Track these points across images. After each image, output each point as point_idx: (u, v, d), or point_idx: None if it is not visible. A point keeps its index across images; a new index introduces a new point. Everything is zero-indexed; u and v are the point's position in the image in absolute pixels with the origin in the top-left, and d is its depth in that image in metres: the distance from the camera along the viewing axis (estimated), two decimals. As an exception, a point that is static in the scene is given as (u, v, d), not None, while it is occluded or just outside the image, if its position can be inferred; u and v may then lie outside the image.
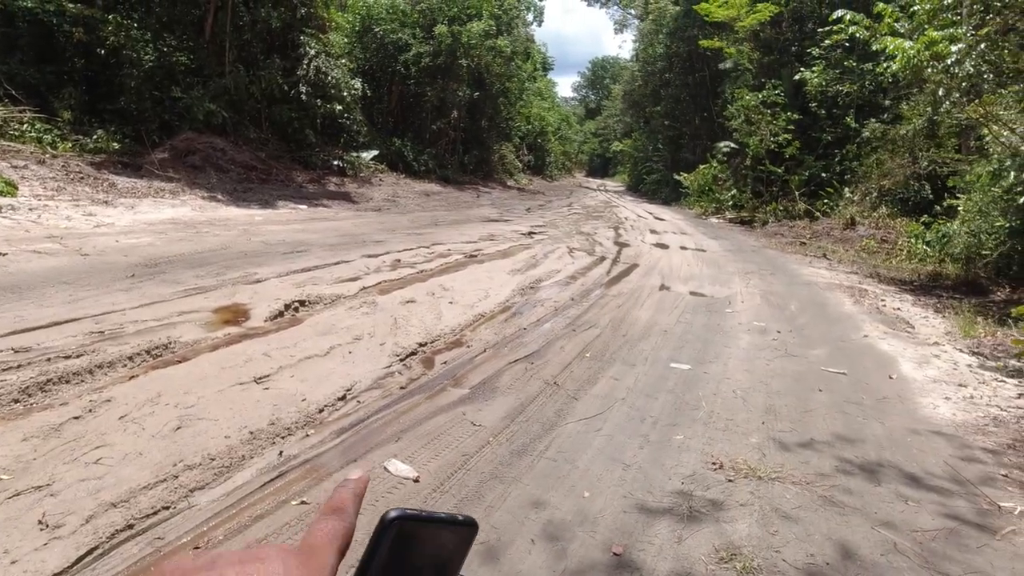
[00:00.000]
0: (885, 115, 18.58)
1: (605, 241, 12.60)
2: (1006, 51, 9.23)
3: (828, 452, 3.36)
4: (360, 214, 12.20)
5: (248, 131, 14.18)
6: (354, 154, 18.89)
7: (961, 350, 6.00)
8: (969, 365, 5.49)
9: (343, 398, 3.76)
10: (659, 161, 34.36)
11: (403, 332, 5.12)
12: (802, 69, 20.08)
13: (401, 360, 4.54)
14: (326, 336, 4.83)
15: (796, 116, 20.07)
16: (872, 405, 4.24)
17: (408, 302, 6.12)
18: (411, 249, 9.06)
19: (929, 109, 16.00)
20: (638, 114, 39.95)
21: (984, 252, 10.26)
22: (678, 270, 9.67)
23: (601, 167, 70.17)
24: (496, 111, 27.50)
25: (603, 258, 10.35)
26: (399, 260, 8.20)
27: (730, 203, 22.34)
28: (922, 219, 13.42)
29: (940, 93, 10.03)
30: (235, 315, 5.17)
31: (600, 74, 74.40)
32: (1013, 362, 5.57)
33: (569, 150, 52.45)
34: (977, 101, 11.94)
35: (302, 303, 5.66)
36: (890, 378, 4.88)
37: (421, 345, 4.89)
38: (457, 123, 24.24)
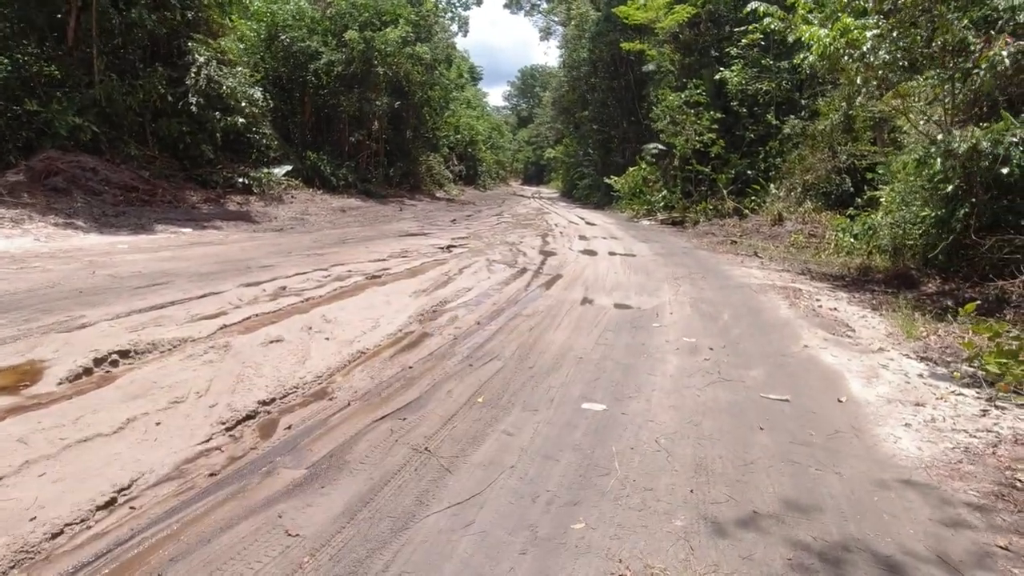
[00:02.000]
0: (803, 112, 18.61)
1: (530, 251, 11.71)
2: (918, 37, 8.86)
3: (777, 533, 2.47)
4: (255, 236, 10.86)
5: (128, 148, 12.57)
6: (264, 170, 17.37)
7: (908, 355, 5.34)
8: (920, 375, 4.79)
9: (110, 504, 2.61)
10: (590, 166, 34.09)
11: (247, 386, 3.98)
12: (722, 69, 19.94)
13: (229, 429, 3.41)
14: (135, 401, 3.64)
15: (719, 115, 19.88)
16: (824, 444, 3.41)
17: (272, 342, 4.97)
18: (304, 273, 7.87)
19: (844, 104, 16.02)
20: (568, 120, 39.71)
21: (909, 242, 9.93)
22: (604, 279, 8.84)
23: (536, 175, 70.04)
24: (421, 121, 26.40)
25: (524, 270, 9.43)
26: (284, 288, 7.01)
27: (661, 204, 22.00)
28: (848, 212, 13.17)
29: (858, 81, 9.63)
30: (19, 378, 3.91)
31: (530, 82, 74.38)
32: (964, 367, 4.92)
33: (502, 159, 51.85)
34: (891, 92, 11.72)
35: (125, 354, 4.43)
36: (839, 401, 4.09)
37: (265, 403, 3.77)
38: (379, 134, 23.02)
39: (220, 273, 7.45)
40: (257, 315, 5.81)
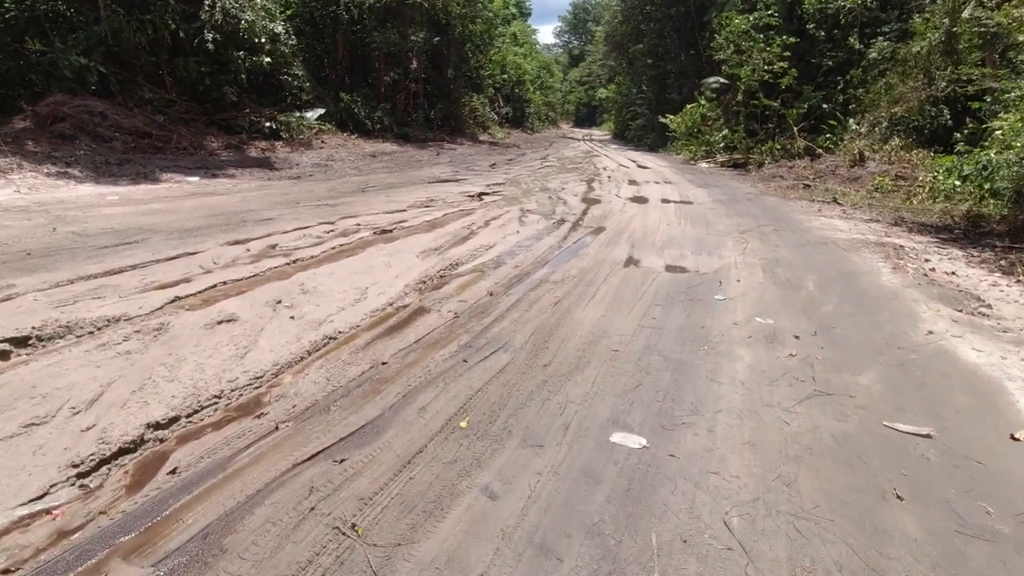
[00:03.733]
0: (892, 33, 15.91)
1: (571, 199, 10.22)
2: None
3: None
4: (267, 184, 9.79)
5: (142, 91, 11.60)
6: (296, 115, 16.27)
7: (1082, 347, 3.74)
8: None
9: None
10: (643, 104, 31.45)
11: (148, 396, 2.87)
12: (797, -16, 17.21)
13: (84, 475, 2.30)
14: (-19, 422, 2.58)
15: (792, 40, 17.26)
16: (1019, 537, 2.01)
17: (223, 322, 3.85)
18: (305, 228, 6.74)
19: (946, 20, 13.42)
20: (621, 56, 36.68)
21: (1039, 185, 7.93)
22: (654, 232, 7.33)
23: (587, 117, 66.69)
24: (462, 59, 24.54)
25: (561, 221, 8.01)
26: (274, 246, 5.90)
27: (721, 145, 19.73)
28: (955, 148, 10.93)
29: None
30: None
31: (582, 16, 69.75)
32: None
33: (552, 100, 49.11)
34: (1009, 3, 9.37)
35: (23, 341, 3.39)
36: (1014, 439, 2.64)
37: (160, 426, 2.65)
38: (417, 74, 21.42)
39: (207, 228, 6.40)
40: (225, 283, 4.71)
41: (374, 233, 6.74)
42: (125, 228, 6.07)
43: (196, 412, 2.79)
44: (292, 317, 4.02)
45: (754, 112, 18.51)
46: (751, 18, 17.86)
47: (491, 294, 4.71)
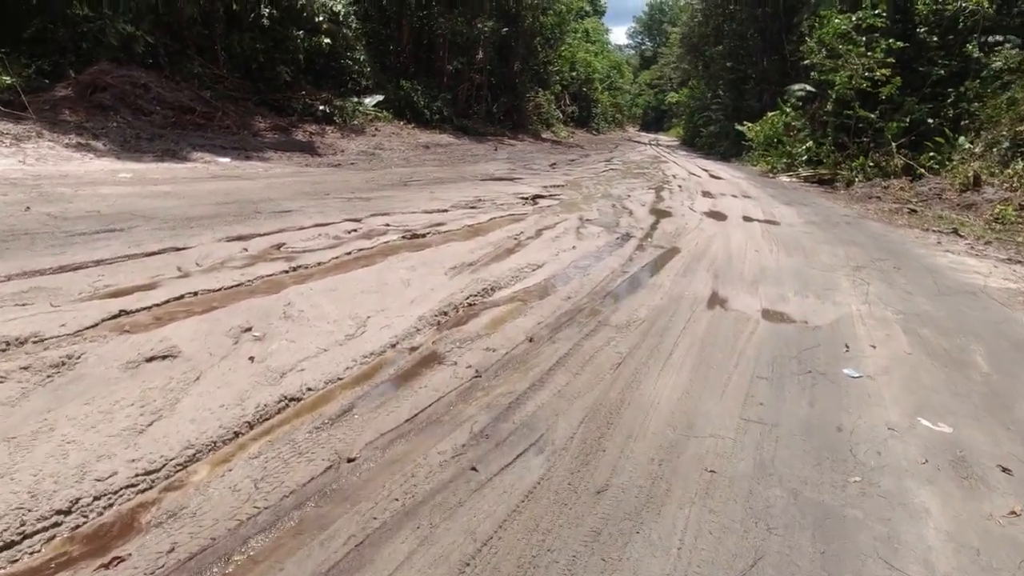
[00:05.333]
0: (1020, 40, 13.68)
1: (638, 209, 8.81)
2: None
3: None
4: (301, 171, 8.81)
5: (191, 64, 10.90)
6: (353, 99, 15.44)
7: None
8: None
9: None
10: (718, 110, 29.29)
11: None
12: (911, -17, 15.07)
13: None
14: None
15: (899, 45, 15.11)
16: None
17: (155, 359, 2.75)
18: (325, 225, 5.67)
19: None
20: (696, 59, 34.51)
21: None
22: (741, 259, 5.88)
23: (655, 121, 64.23)
24: (530, 52, 23.26)
25: (627, 236, 6.66)
26: (279, 246, 4.83)
27: (804, 158, 17.72)
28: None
29: None
30: None
31: (658, 17, 67.06)
32: None
33: (620, 101, 47.17)
34: None
35: None
36: None
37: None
38: (482, 65, 20.30)
39: (211, 219, 5.39)
40: (195, 294, 3.65)
41: (403, 237, 5.59)
42: (114, 212, 5.12)
43: (4, 549, 1.65)
44: (252, 358, 2.87)
45: (846, 124, 16.42)
46: (853, 18, 15.79)
47: (531, 340, 3.44)
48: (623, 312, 4.05)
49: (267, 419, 2.40)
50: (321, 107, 13.75)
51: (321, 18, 12.48)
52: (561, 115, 29.69)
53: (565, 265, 5.21)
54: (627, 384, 2.94)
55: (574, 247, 5.90)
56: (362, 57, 16.22)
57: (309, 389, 2.66)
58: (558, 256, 5.48)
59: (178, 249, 4.46)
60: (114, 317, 3.18)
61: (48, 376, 2.50)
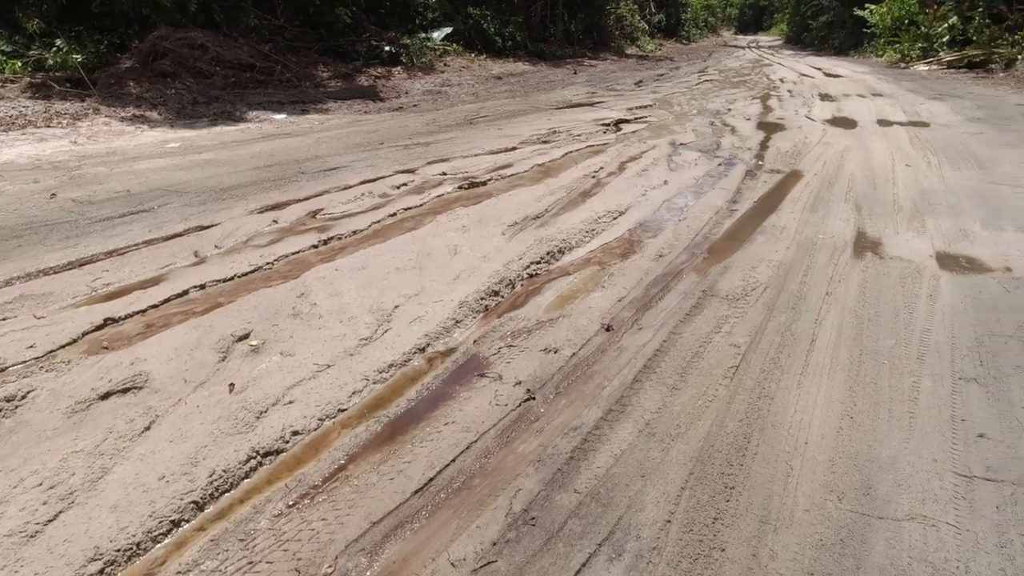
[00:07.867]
0: None
1: (742, 124, 7.27)
2: None
3: None
4: (359, 120, 8.01)
5: (248, 18, 10.27)
6: (421, 35, 14.34)
7: None
8: None
9: None
10: (831, -4, 24.99)
11: None
12: None
13: None
14: None
15: None
16: None
17: (115, 394, 2.11)
18: (374, 180, 4.88)
19: None
20: (802, -63, 29.43)
21: None
22: (888, 179, 4.43)
23: (753, 20, 57.24)
24: (608, -43, 20.63)
25: (732, 161, 5.35)
26: (316, 213, 4.12)
27: (946, 38, 14.54)
28: None
29: None
30: None
31: (754, -101, 58.18)
32: None
33: (712, 3, 42.00)
34: None
35: None
36: None
37: None
38: (555, -21, 18.22)
39: (247, 187, 4.75)
40: (202, 287, 3.02)
41: (459, 187, 4.69)
42: (145, 190, 4.60)
43: None
44: (232, 385, 2.15)
45: (1005, -11, 13.09)
46: None
47: (608, 328, 2.47)
48: (736, 274, 2.94)
49: (223, 493, 1.67)
50: (387, 48, 12.81)
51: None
52: (646, 26, 26.66)
53: (655, 207, 4.10)
54: (751, 405, 1.92)
55: (665, 182, 4.72)
56: (426, -12, 14.93)
57: (294, 432, 1.90)
58: (646, 196, 4.36)
59: (202, 228, 3.85)
60: (97, 328, 2.58)
61: (-25, 432, 1.91)
